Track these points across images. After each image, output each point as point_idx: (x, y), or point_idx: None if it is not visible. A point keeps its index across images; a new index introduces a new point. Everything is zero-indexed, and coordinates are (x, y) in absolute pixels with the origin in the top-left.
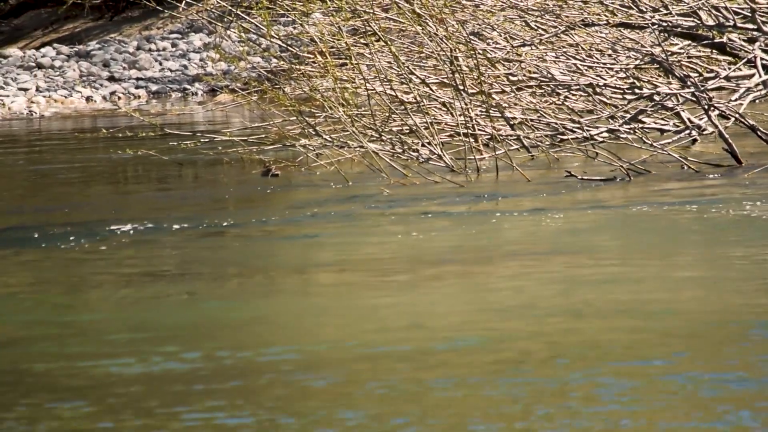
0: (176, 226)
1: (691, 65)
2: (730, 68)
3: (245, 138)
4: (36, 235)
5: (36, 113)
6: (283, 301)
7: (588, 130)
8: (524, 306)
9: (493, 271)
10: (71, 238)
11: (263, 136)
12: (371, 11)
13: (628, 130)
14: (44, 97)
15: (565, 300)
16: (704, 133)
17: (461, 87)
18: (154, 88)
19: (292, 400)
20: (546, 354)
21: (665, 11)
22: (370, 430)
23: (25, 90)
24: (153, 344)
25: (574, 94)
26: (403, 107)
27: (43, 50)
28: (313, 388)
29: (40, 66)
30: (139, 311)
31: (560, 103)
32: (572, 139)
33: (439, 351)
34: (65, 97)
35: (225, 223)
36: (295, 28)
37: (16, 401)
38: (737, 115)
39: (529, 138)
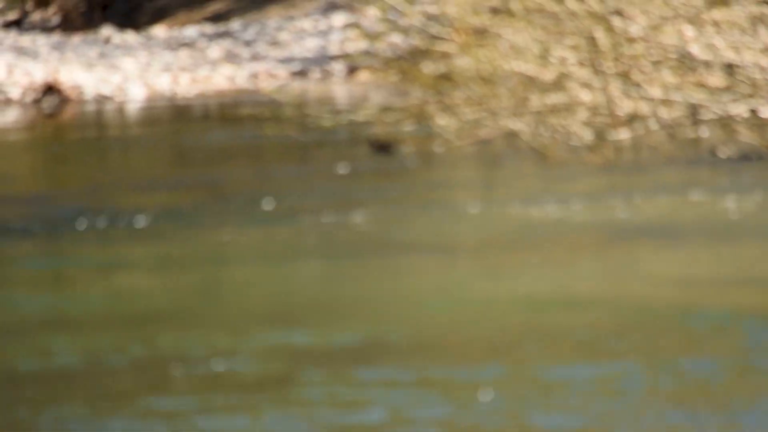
0: (314, 203)
1: None
2: None
3: (384, 117)
4: (179, 213)
5: (180, 92)
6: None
7: (728, 109)
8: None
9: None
10: (216, 216)
11: (402, 114)
12: None
13: None
14: (188, 76)
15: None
16: None
17: (600, 66)
18: (295, 67)
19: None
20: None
21: None
22: None
23: (170, 69)
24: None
25: (713, 72)
26: (541, 86)
27: (187, 30)
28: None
29: (184, 45)
30: (284, 287)
31: (700, 81)
32: (712, 117)
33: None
34: (208, 76)
35: (362, 198)
36: (434, 6)
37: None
38: None
39: (668, 116)
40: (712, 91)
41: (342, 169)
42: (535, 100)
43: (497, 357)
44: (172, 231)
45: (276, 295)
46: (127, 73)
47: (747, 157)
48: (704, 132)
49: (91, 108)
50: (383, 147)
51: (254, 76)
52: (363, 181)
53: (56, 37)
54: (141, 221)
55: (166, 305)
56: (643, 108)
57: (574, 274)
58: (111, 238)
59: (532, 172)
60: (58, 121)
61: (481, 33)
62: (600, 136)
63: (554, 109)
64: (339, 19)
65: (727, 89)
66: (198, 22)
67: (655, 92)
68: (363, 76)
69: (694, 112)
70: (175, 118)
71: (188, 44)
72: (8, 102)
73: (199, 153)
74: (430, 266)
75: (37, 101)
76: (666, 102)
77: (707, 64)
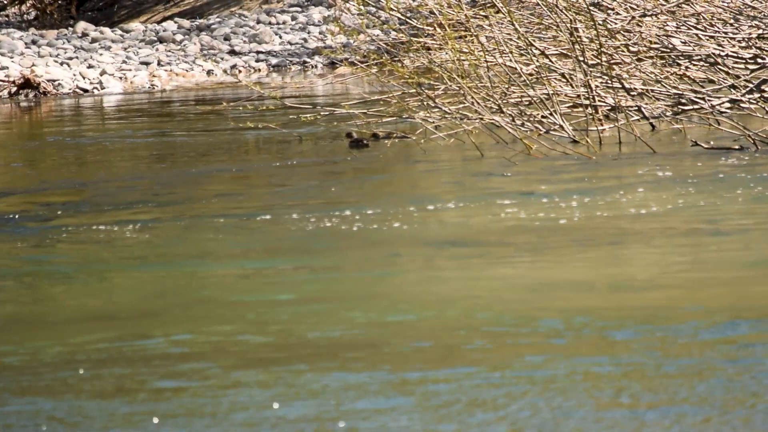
0: (296, 199)
1: None
2: None
3: (365, 111)
4: (155, 205)
5: (158, 87)
6: (406, 272)
7: (710, 101)
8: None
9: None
10: (196, 209)
11: (382, 108)
12: None
13: (750, 100)
14: (166, 70)
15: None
16: None
17: (581, 58)
18: (274, 61)
19: None
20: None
21: None
22: None
23: (147, 64)
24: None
25: (695, 64)
26: (522, 79)
27: (164, 24)
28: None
29: (161, 40)
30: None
31: (681, 73)
32: (694, 109)
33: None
34: (186, 70)
35: (345, 196)
36: (414, 0)
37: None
38: None
39: (649, 108)
40: (695, 83)
41: (322, 162)
42: (516, 93)
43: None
44: (152, 227)
45: (254, 291)
46: (104, 68)
47: (728, 148)
48: (686, 123)
49: (68, 102)
50: (359, 141)
51: (233, 69)
52: (343, 175)
53: (32, 32)
54: (118, 217)
55: (142, 302)
56: (625, 100)
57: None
58: (89, 234)
59: (514, 165)
60: (34, 116)
61: (461, 26)
62: (582, 128)
63: (535, 102)
64: (318, 13)
65: (709, 81)
66: (175, 17)
67: (637, 84)
68: (342, 70)
69: (676, 103)
70: (153, 112)
71: (165, 39)
72: None
73: (178, 148)
74: (412, 261)
75: (13, 96)
76: (648, 94)
77: (689, 57)
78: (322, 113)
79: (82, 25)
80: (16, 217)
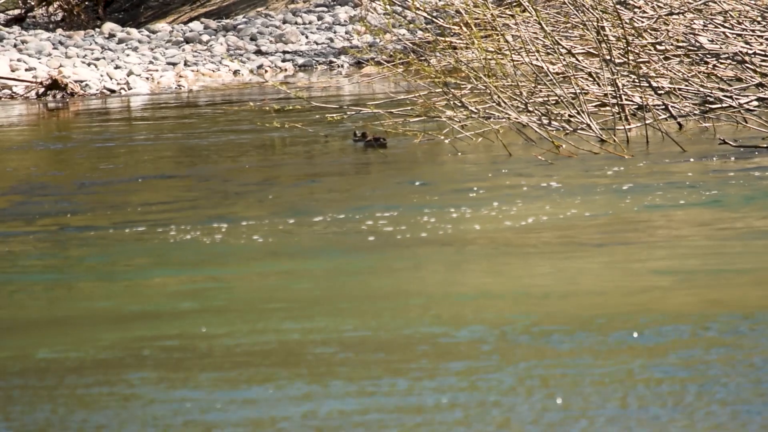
0: (323, 199)
1: None
2: None
3: (391, 110)
4: (184, 205)
5: (184, 87)
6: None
7: (737, 99)
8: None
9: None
10: (224, 211)
11: (409, 108)
12: None
13: None
14: (192, 71)
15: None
16: None
17: (608, 57)
18: (300, 61)
19: None
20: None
21: None
22: None
23: (174, 64)
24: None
25: (722, 63)
26: (549, 78)
27: (190, 25)
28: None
29: (188, 40)
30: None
31: (709, 71)
32: (722, 107)
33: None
34: (213, 70)
35: (373, 196)
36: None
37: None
38: None
39: (677, 107)
40: (722, 81)
41: (348, 162)
42: (543, 92)
43: (495, 354)
44: (177, 226)
45: (283, 289)
46: (131, 68)
47: (756, 146)
48: (714, 122)
49: (95, 103)
50: (376, 140)
51: (259, 69)
52: (369, 175)
53: (59, 33)
54: (144, 219)
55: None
56: (652, 99)
57: (578, 269)
58: (114, 236)
59: (539, 164)
60: (62, 116)
61: (487, 25)
62: (609, 127)
63: (562, 101)
64: (344, 12)
65: (737, 80)
66: (201, 17)
67: (664, 83)
68: (368, 69)
69: (703, 102)
70: (180, 112)
71: (192, 39)
72: (12, 98)
73: (204, 148)
74: (438, 262)
75: (41, 97)
76: (675, 92)
77: (716, 55)
78: (348, 113)
79: (108, 26)
80: (42, 216)
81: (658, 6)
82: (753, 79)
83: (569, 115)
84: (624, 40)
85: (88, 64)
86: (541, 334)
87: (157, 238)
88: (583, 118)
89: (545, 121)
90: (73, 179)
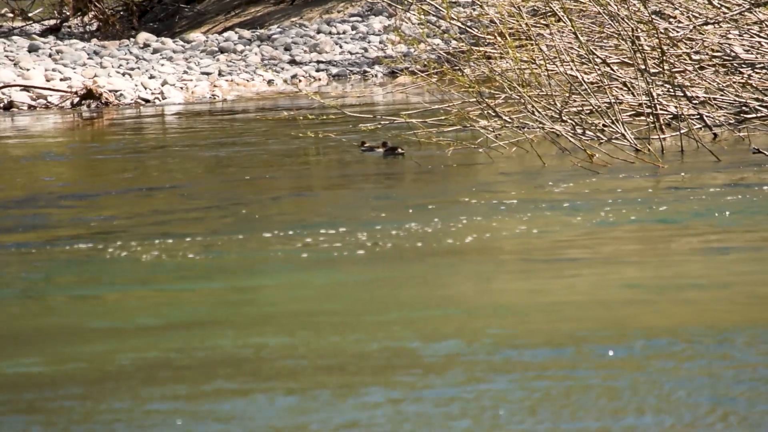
0: (357, 209)
1: None
2: None
3: (425, 120)
4: (218, 215)
5: (219, 97)
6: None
7: None
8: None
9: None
10: (256, 221)
11: (443, 117)
12: None
13: None
14: (227, 80)
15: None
16: None
17: (643, 66)
18: (334, 70)
19: None
20: None
21: None
22: None
23: (208, 74)
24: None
25: (757, 72)
26: (583, 87)
27: (225, 35)
28: None
29: (222, 50)
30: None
31: (744, 81)
32: (757, 117)
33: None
34: (247, 80)
35: (406, 205)
36: (474, 9)
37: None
38: None
39: (711, 116)
40: (757, 91)
41: (382, 172)
42: (578, 102)
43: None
44: (215, 238)
45: (319, 299)
46: (165, 78)
47: None
48: (749, 132)
49: (129, 112)
50: (393, 150)
51: (293, 79)
52: (400, 184)
53: (94, 43)
54: (181, 227)
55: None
56: (687, 109)
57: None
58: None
59: (574, 173)
60: (97, 126)
61: (522, 35)
62: (643, 137)
63: (597, 111)
64: (378, 22)
65: None
66: (236, 27)
67: (699, 93)
68: (403, 79)
69: (738, 111)
70: (214, 122)
71: (226, 49)
72: (48, 107)
73: (238, 158)
74: (472, 271)
75: (75, 106)
76: (710, 102)
77: (752, 65)
78: (381, 122)
79: (143, 36)
80: (75, 224)
81: (694, 16)
82: None
83: (603, 125)
84: (659, 50)
85: (123, 74)
86: (614, 340)
87: (193, 250)
88: (617, 127)
89: (579, 131)
90: (103, 189)
